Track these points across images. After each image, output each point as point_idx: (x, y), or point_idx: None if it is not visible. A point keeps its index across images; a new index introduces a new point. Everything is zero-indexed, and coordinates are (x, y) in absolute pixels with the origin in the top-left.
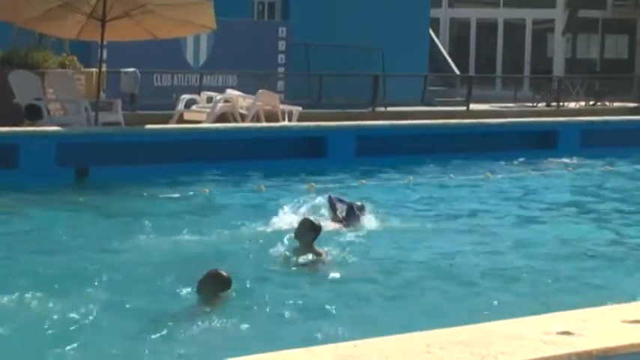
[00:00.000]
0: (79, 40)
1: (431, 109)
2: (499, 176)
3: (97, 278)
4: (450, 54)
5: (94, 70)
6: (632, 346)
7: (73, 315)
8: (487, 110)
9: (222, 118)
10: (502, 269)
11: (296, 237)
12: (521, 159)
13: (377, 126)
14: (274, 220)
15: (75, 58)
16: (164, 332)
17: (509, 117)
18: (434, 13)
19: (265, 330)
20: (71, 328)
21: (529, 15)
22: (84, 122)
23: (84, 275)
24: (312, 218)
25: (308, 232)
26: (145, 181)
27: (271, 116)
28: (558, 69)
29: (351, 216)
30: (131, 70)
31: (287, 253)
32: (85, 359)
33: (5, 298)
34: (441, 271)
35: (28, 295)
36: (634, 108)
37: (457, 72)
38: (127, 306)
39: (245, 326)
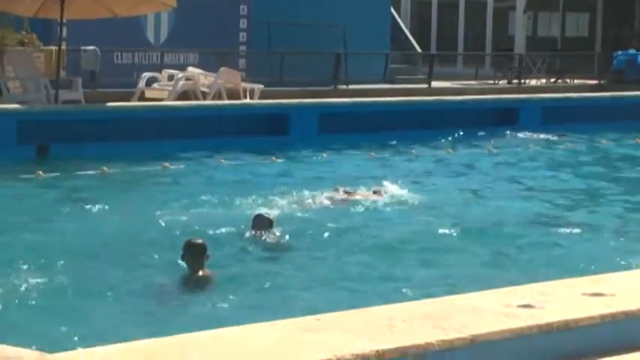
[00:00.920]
0: (38, 18)
1: (393, 87)
2: (460, 152)
3: (57, 253)
4: (411, 32)
5: (53, 48)
6: (592, 318)
7: (44, 286)
8: (449, 88)
9: (183, 96)
10: (463, 243)
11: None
12: (482, 135)
13: (339, 103)
14: (238, 197)
15: (34, 36)
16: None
17: (470, 94)
18: None
19: (249, 302)
20: (37, 301)
21: None
22: (44, 100)
23: (44, 250)
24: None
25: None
26: (106, 159)
27: (233, 94)
28: (519, 47)
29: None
30: (91, 48)
31: (253, 231)
32: (66, 334)
33: None
34: (407, 244)
35: None
36: (594, 85)
37: (419, 50)
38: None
39: (226, 299)
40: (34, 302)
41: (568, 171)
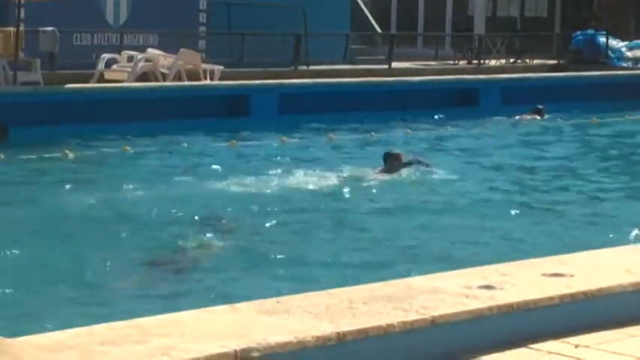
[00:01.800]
0: None
1: (353, 68)
2: (420, 133)
3: (18, 234)
4: (371, 12)
5: (11, 29)
6: (551, 298)
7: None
8: (409, 68)
9: (143, 77)
10: (424, 225)
11: None
12: (442, 116)
13: (299, 84)
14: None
15: None
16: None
17: (430, 75)
18: None
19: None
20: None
21: None
22: (2, 82)
23: (4, 232)
24: None
25: None
26: (66, 140)
27: (193, 75)
28: (479, 27)
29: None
30: (50, 29)
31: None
32: (29, 317)
33: None
34: (368, 225)
35: None
36: (554, 65)
37: (379, 30)
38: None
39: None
40: None
41: (528, 152)
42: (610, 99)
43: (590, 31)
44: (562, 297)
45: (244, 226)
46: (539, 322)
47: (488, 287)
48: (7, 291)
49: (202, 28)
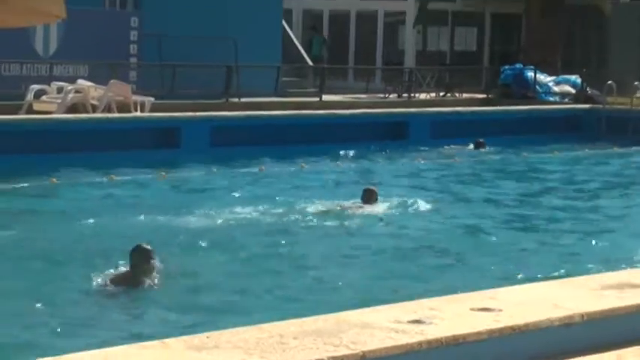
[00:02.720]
0: None
1: (284, 100)
2: (351, 165)
3: None
4: (303, 45)
5: None
6: (480, 333)
7: None
8: (340, 101)
9: (73, 108)
10: (348, 258)
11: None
12: (373, 148)
13: (231, 117)
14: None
15: None
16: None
17: (361, 108)
18: (286, 3)
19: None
20: None
21: (381, 7)
22: None
23: None
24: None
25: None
26: None
27: (123, 107)
28: (409, 60)
29: None
30: None
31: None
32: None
33: None
34: (307, 260)
35: None
36: (483, 99)
37: (310, 63)
38: None
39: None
40: None
41: (457, 184)
42: (537, 133)
43: (519, 66)
44: (490, 332)
45: (177, 260)
46: (468, 357)
47: (417, 322)
48: None
49: (133, 60)
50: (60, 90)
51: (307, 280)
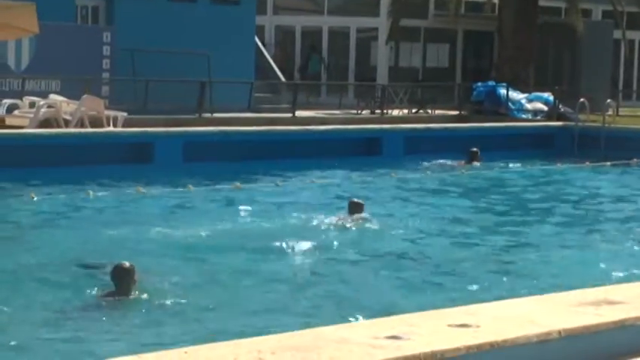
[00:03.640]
0: None
1: (257, 116)
2: (326, 181)
3: None
4: (275, 61)
5: None
6: (458, 349)
7: None
8: (312, 117)
9: (45, 123)
10: (320, 275)
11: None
12: (345, 165)
13: (204, 132)
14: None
15: None
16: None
17: (333, 124)
18: (259, 20)
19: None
20: None
21: (353, 23)
22: None
23: None
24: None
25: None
26: None
27: (96, 122)
28: (382, 77)
29: None
30: None
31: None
32: None
33: None
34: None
35: None
36: (455, 116)
37: (283, 79)
38: None
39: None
40: None
41: (432, 200)
42: (510, 150)
43: (491, 83)
44: (468, 348)
45: (154, 275)
46: None
47: (395, 337)
48: None
49: (106, 74)
50: (32, 105)
51: (287, 294)
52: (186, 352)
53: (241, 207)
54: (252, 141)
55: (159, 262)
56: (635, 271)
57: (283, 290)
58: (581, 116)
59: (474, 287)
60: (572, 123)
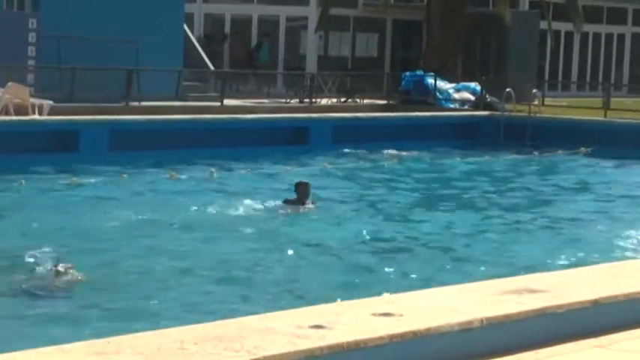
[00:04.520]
0: None
1: (185, 104)
2: (255, 171)
3: None
4: (204, 49)
5: None
6: (381, 338)
7: None
8: (241, 106)
9: None
10: (247, 265)
11: None
12: (274, 154)
13: (131, 120)
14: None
15: None
16: None
17: (262, 113)
18: (188, 8)
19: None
20: None
21: (283, 12)
22: None
23: None
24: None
25: None
26: None
27: (21, 110)
28: (311, 66)
29: None
30: None
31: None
32: None
33: None
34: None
35: None
36: (384, 105)
37: (212, 67)
38: None
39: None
40: None
41: (361, 190)
42: (437, 139)
43: (419, 72)
44: (392, 336)
45: (83, 265)
46: None
47: (319, 327)
48: None
49: (31, 62)
50: None
51: (222, 284)
52: (109, 342)
53: (172, 195)
54: (180, 129)
55: (90, 251)
56: (560, 259)
57: (212, 280)
58: (508, 106)
59: (404, 275)
60: (499, 113)
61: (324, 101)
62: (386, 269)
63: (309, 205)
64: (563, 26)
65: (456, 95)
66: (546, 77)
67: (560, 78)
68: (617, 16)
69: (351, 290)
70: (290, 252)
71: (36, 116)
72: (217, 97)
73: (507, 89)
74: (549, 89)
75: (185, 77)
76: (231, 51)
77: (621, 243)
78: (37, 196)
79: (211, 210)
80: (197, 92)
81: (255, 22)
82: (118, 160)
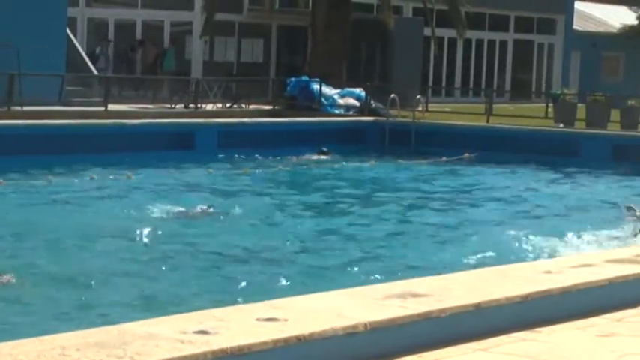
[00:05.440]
0: None
1: (69, 109)
2: (140, 176)
3: None
4: (144, 59)
5: None
6: (265, 343)
7: None
8: (126, 111)
9: None
10: (125, 272)
11: None
12: (159, 160)
13: (12, 125)
14: None
15: None
16: None
17: (147, 118)
18: (71, 12)
19: None
20: None
21: (167, 17)
22: None
23: None
24: None
25: None
26: None
27: None
28: (196, 71)
29: None
30: None
31: None
32: None
33: None
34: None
35: None
36: (269, 110)
37: (95, 72)
38: None
39: None
40: None
41: (246, 196)
42: (322, 145)
43: (304, 78)
44: (276, 341)
45: None
46: None
47: (203, 332)
48: None
49: None
50: None
51: (101, 289)
52: None
53: (57, 201)
54: (63, 135)
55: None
56: (442, 263)
57: (91, 286)
58: (392, 111)
59: (288, 281)
60: (384, 118)
61: (209, 107)
62: (270, 275)
63: (209, 211)
64: (447, 33)
65: (341, 101)
66: (430, 83)
67: (443, 84)
68: (499, 23)
69: (235, 295)
70: (176, 257)
71: None
72: (101, 101)
73: (392, 95)
74: (433, 95)
75: (69, 82)
76: (142, 58)
77: (505, 246)
78: None
79: (92, 216)
80: (81, 97)
81: (139, 27)
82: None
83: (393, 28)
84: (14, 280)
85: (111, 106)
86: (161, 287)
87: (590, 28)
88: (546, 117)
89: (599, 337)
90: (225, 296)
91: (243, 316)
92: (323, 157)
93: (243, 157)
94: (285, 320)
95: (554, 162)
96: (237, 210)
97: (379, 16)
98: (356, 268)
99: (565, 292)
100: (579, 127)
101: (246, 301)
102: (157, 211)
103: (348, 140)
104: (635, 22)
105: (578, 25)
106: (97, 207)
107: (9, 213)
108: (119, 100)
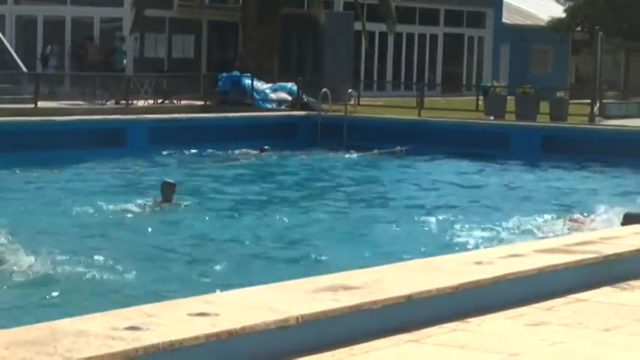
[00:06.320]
0: None
1: None
2: (67, 174)
3: None
4: (18, 51)
5: None
6: (197, 338)
7: None
8: (56, 108)
9: None
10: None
11: None
12: (90, 156)
13: None
14: None
15: None
16: None
17: (78, 115)
18: None
19: None
20: None
21: (97, 13)
22: None
23: None
24: None
25: None
26: None
27: None
28: (127, 67)
29: None
30: None
31: None
32: None
33: None
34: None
35: None
36: (201, 106)
37: (24, 69)
38: None
39: None
40: None
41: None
42: (255, 139)
43: (236, 73)
44: (208, 336)
45: None
46: None
47: (134, 328)
48: None
49: None
50: None
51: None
52: None
53: None
54: None
55: None
56: (374, 256)
57: (28, 283)
58: (324, 106)
59: (220, 275)
60: (316, 112)
61: (140, 103)
62: (195, 271)
63: (179, 204)
64: (377, 27)
65: (273, 95)
66: (362, 77)
67: (375, 78)
68: (429, 17)
69: (171, 291)
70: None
71: None
72: (31, 99)
73: (323, 89)
74: (365, 89)
75: None
76: (90, 55)
77: (435, 238)
78: None
79: (23, 212)
80: (9, 94)
81: (68, 25)
82: None
83: (323, 23)
84: None
85: (41, 104)
86: (96, 281)
87: (519, 21)
88: (477, 110)
89: (529, 326)
90: (157, 293)
91: (175, 312)
92: (263, 153)
93: (174, 152)
94: (217, 315)
95: (485, 154)
96: (167, 207)
97: (310, 10)
98: (283, 262)
99: (495, 283)
100: (509, 120)
101: (179, 296)
102: (81, 207)
103: (281, 134)
104: (563, 15)
105: (507, 19)
106: (20, 203)
107: None
108: (51, 97)
